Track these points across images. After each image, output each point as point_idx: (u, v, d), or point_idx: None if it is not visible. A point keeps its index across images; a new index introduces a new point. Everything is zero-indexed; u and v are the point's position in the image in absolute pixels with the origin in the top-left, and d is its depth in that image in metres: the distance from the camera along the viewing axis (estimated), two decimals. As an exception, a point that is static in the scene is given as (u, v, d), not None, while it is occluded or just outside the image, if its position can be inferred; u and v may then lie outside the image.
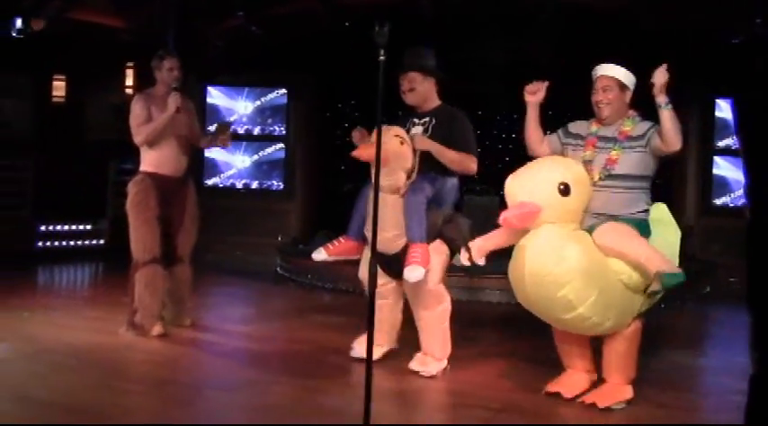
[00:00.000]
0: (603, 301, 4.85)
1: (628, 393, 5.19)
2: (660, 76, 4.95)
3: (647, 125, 5.19)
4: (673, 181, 11.73)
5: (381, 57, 4.07)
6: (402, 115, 6.22)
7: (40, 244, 11.68)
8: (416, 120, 6.05)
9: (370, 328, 4.06)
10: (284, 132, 12.78)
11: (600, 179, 5.13)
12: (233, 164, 12.83)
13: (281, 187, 12.80)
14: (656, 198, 5.36)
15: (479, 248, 5.42)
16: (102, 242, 12.17)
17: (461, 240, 5.63)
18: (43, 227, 11.73)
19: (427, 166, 5.76)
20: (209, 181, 12.80)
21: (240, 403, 5.10)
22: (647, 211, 5.22)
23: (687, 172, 12.01)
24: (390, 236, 5.69)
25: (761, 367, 2.66)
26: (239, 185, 12.82)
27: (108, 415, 4.74)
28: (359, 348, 6.08)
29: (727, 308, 9.41)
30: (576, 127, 5.45)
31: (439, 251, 5.72)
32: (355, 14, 10.39)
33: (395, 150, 5.59)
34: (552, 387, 5.38)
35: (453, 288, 6.22)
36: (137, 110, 6.77)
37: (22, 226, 11.51)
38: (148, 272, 6.72)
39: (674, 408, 5.31)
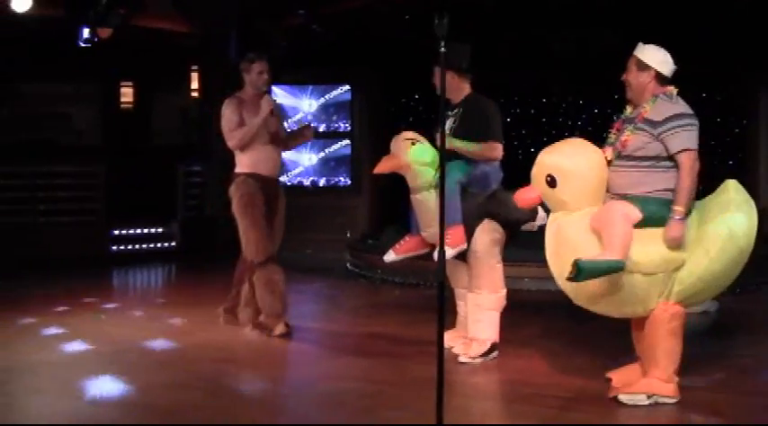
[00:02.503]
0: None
1: (652, 387, 4.89)
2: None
3: (667, 109, 4.89)
4: (746, 162, 11.49)
5: (442, 49, 4.04)
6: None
7: (114, 247, 11.87)
8: (449, 112, 6.14)
9: (440, 319, 4.03)
10: (349, 128, 12.81)
11: (615, 159, 5.01)
12: (300, 162, 12.89)
13: (349, 183, 12.83)
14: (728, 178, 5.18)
15: None
16: (173, 244, 12.33)
17: (505, 212, 5.84)
18: (116, 232, 11.94)
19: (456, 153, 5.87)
20: (277, 180, 12.89)
21: (315, 401, 5.12)
22: (668, 190, 4.88)
23: (759, 153, 11.74)
24: (436, 230, 5.78)
25: None
26: (307, 183, 12.89)
27: (181, 415, 4.78)
28: (446, 338, 6.19)
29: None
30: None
31: (487, 229, 5.90)
32: (415, 7, 10.34)
33: (408, 154, 5.85)
34: (611, 373, 5.32)
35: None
36: (228, 114, 6.73)
37: (96, 231, 11.72)
38: (266, 273, 6.68)
39: (759, 395, 5.19)
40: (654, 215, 4.84)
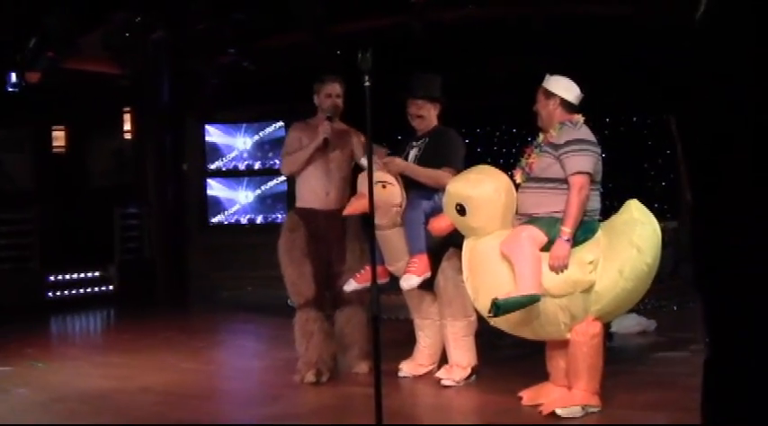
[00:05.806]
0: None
1: (584, 399, 5.09)
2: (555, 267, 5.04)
3: (570, 134, 5.18)
4: (678, 182, 11.69)
5: (367, 83, 4.11)
6: (402, 139, 6.48)
7: (50, 294, 11.60)
8: (414, 143, 6.27)
9: (376, 350, 4.05)
10: (285, 165, 12.79)
11: (523, 181, 5.30)
12: (236, 201, 12.85)
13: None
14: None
15: None
16: (111, 288, 12.14)
17: None
18: (52, 277, 11.67)
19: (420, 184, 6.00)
20: (214, 219, 12.82)
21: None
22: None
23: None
24: (403, 264, 5.95)
25: (712, 351, 2.63)
26: (244, 221, 12.84)
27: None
28: (406, 368, 6.36)
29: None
30: None
31: (453, 258, 5.93)
32: (346, 42, 10.41)
33: (379, 197, 5.67)
34: (522, 392, 5.50)
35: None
36: (288, 138, 6.39)
37: (32, 278, 11.48)
38: (301, 318, 6.31)
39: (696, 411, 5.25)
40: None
